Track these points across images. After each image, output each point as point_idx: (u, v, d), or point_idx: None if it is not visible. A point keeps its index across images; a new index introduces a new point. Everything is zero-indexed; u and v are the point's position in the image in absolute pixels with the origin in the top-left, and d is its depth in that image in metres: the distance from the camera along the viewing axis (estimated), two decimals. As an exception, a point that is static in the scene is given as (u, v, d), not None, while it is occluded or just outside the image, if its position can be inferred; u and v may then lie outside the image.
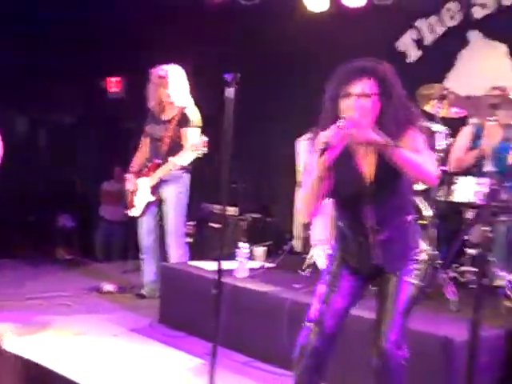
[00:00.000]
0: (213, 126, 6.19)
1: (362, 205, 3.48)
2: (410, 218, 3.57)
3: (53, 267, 8.63)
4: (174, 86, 6.67)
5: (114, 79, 11.00)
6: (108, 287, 7.14)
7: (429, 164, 3.36)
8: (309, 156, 3.51)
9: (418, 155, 3.32)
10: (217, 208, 8.02)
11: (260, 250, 6.70)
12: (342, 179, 3.49)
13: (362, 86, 3.36)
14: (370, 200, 3.46)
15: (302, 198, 3.55)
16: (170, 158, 6.46)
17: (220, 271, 3.90)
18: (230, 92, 3.85)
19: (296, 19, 7.99)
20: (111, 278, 7.68)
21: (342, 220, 3.64)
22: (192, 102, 6.75)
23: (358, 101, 3.36)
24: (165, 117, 6.77)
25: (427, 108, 6.00)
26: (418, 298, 3.57)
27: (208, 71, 8.18)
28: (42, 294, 6.76)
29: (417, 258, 3.57)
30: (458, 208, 5.59)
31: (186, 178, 6.74)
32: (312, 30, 7.91)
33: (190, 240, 7.98)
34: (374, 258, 3.55)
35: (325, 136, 3.29)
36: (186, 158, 6.42)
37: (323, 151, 3.28)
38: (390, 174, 3.37)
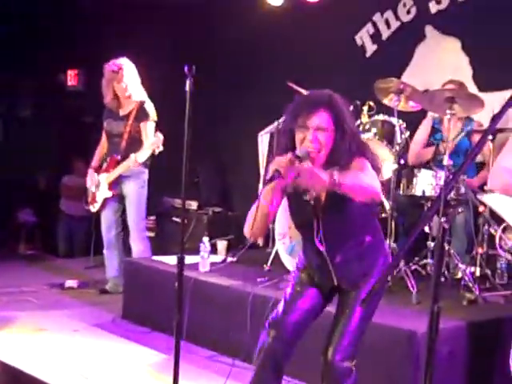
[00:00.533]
0: (169, 120, 6.21)
1: (314, 231, 3.52)
2: (368, 238, 3.56)
3: (14, 263, 8.58)
4: (129, 79, 6.61)
5: (72, 72, 10.89)
6: (70, 283, 7.11)
7: (370, 180, 3.32)
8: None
9: (359, 174, 3.31)
10: (178, 202, 8.02)
11: (221, 244, 6.71)
12: (294, 207, 3.60)
13: (318, 120, 3.38)
14: (322, 227, 3.49)
15: (248, 217, 3.51)
16: (132, 154, 6.40)
17: (181, 266, 3.89)
18: (188, 84, 3.88)
19: (255, 17, 7.98)
20: (73, 273, 7.65)
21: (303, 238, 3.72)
22: (146, 95, 6.73)
23: (314, 133, 3.38)
24: (122, 112, 6.71)
25: (386, 101, 6.06)
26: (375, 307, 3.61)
27: (165, 65, 8.20)
28: (4, 290, 6.71)
29: (379, 273, 3.57)
30: (419, 201, 5.66)
31: (146, 173, 6.71)
32: (271, 26, 7.90)
33: (151, 234, 7.98)
34: (333, 279, 3.60)
35: (277, 163, 3.31)
36: (145, 154, 6.40)
37: (273, 178, 3.30)
38: (340, 202, 3.36)
